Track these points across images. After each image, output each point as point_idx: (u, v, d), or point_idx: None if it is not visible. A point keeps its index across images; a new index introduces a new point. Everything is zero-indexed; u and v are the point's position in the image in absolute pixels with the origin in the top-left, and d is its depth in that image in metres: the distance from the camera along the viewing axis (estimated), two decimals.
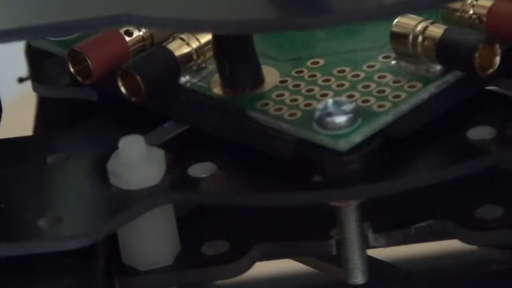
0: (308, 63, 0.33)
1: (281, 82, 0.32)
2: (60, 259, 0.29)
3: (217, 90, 0.32)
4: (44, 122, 0.34)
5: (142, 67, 0.32)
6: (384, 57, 0.33)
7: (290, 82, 0.32)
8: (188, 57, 0.33)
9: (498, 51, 0.31)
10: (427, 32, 0.31)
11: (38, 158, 0.31)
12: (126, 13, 0.29)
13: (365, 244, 0.31)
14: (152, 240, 0.31)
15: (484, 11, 0.32)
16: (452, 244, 0.33)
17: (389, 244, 0.32)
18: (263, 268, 0.33)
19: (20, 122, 0.34)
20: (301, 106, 0.31)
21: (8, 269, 0.29)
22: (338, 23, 0.30)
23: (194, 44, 0.33)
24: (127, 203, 0.30)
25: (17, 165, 0.31)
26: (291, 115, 0.31)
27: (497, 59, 0.31)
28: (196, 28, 0.31)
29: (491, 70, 0.31)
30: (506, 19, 0.32)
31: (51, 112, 0.34)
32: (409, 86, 0.31)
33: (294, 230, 0.32)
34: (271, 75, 0.32)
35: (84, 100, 0.34)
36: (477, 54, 0.30)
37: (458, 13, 0.32)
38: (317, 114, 0.30)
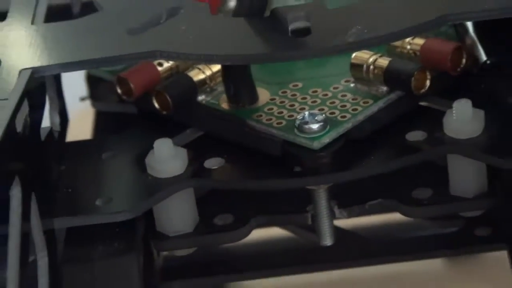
0: (290, 86, 0.33)
1: (270, 99, 0.32)
2: (112, 229, 0.29)
3: (224, 105, 0.33)
4: (99, 128, 0.35)
5: (170, 89, 0.32)
6: (346, 81, 0.33)
7: (277, 100, 0.32)
8: (203, 81, 0.33)
9: (429, 76, 0.32)
10: (377, 62, 0.32)
11: (95, 155, 0.32)
12: (158, 50, 0.29)
13: (332, 216, 0.32)
14: (178, 214, 0.31)
15: (418, 47, 0.32)
16: (396, 216, 0.33)
17: (350, 216, 0.32)
18: (258, 234, 0.33)
19: (82, 129, 0.34)
20: (286, 117, 0.31)
21: (74, 237, 0.30)
22: (312, 56, 0.30)
23: (208, 72, 0.33)
24: (159, 188, 0.30)
25: (80, 160, 0.32)
26: (278, 123, 0.31)
27: (428, 82, 0.32)
28: (209, 61, 0.31)
29: (423, 90, 0.32)
30: (434, 53, 0.32)
31: (104, 121, 0.35)
32: (364, 102, 0.32)
33: (281, 206, 0.32)
34: (263, 94, 0.33)
35: (128, 113, 0.34)
36: (413, 79, 0.31)
37: (399, 49, 0.33)
38: (297, 122, 0.30)
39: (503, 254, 0.32)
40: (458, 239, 0.35)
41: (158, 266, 0.32)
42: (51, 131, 0.31)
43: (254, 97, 0.32)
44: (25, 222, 0.26)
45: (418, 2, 0.30)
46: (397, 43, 0.32)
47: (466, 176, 0.31)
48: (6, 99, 0.27)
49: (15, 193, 0.25)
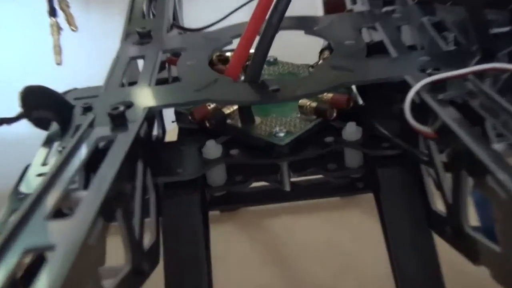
0: (270, 116, 0.32)
1: (261, 122, 0.31)
2: (187, 182, 0.28)
3: (239, 125, 0.31)
4: (180, 136, 0.33)
5: (214, 117, 0.31)
6: (296, 113, 0.32)
7: (264, 122, 0.31)
8: (229, 114, 0.31)
9: (335, 111, 0.31)
10: (311, 105, 0.31)
11: (177, 147, 0.30)
12: (208, 98, 0.29)
13: (289, 176, 0.30)
14: (217, 175, 0.30)
15: (329, 97, 0.31)
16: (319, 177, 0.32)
17: (298, 176, 0.31)
18: (254, 185, 0.32)
19: (171, 137, 0.33)
20: (268, 129, 0.30)
21: (168, 186, 0.28)
22: (280, 101, 0.30)
23: (232, 109, 0.32)
24: (209, 163, 0.29)
25: (170, 150, 0.30)
26: (264, 133, 0.30)
27: (334, 114, 0.31)
28: (231, 103, 0.31)
29: (332, 117, 0.31)
30: (337, 100, 0.31)
31: (183, 132, 0.33)
32: (304, 123, 0.31)
33: (266, 171, 0.31)
34: (257, 120, 0.31)
35: (193, 128, 0.32)
36: (327, 112, 0.30)
37: (319, 98, 0.31)
38: (273, 132, 0.30)
39: (370, 195, 0.31)
40: (348, 188, 0.34)
41: (208, 199, 0.31)
42: (157, 137, 0.31)
43: (253, 121, 0.31)
44: (144, 180, 0.25)
45: (328, 77, 0.29)
46: (320, 95, 0.31)
47: (352, 157, 0.30)
48: (135, 121, 0.26)
49: (139, 167, 0.25)
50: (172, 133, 0.33)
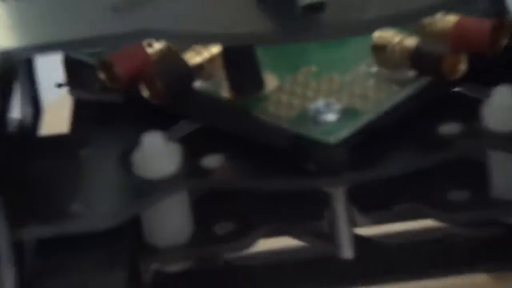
0: (302, 70, 0.32)
1: (279, 86, 0.31)
2: (92, 239, 0.28)
3: (225, 93, 0.31)
4: (78, 121, 0.34)
5: (162, 74, 0.31)
6: (367, 65, 0.32)
7: (287, 87, 0.31)
8: (200, 66, 0.32)
9: (464, 59, 0.31)
10: (403, 43, 0.31)
11: (73, 151, 0.31)
12: (148, 28, 0.28)
13: (353, 223, 0.30)
14: (170, 221, 0.30)
15: (450, 26, 0.31)
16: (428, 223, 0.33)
17: (374, 223, 0.31)
18: (265, 245, 0.33)
19: (57, 121, 0.34)
20: (297, 106, 0.30)
21: (46, 248, 0.29)
22: (327, 37, 0.30)
23: (206, 54, 0.32)
24: (148, 190, 0.29)
25: (55, 157, 0.31)
26: (288, 114, 0.30)
27: (463, 66, 0.31)
28: (208, 41, 0.30)
29: (457, 75, 0.31)
30: (470, 32, 0.31)
31: (83, 113, 0.34)
32: (388, 89, 0.31)
33: (292, 211, 0.31)
34: (270, 80, 0.32)
35: (112, 102, 0.33)
36: (445, 62, 0.30)
37: (428, 28, 0.31)
38: (310, 113, 0.30)
39: None
40: (500, 250, 0.33)
41: (146, 284, 0.31)
42: (21, 123, 0.31)
43: (260, 84, 0.31)
44: None
45: None
46: (426, 21, 0.31)
47: (510, 175, 0.30)
48: None
49: None
50: (57, 114, 0.34)
